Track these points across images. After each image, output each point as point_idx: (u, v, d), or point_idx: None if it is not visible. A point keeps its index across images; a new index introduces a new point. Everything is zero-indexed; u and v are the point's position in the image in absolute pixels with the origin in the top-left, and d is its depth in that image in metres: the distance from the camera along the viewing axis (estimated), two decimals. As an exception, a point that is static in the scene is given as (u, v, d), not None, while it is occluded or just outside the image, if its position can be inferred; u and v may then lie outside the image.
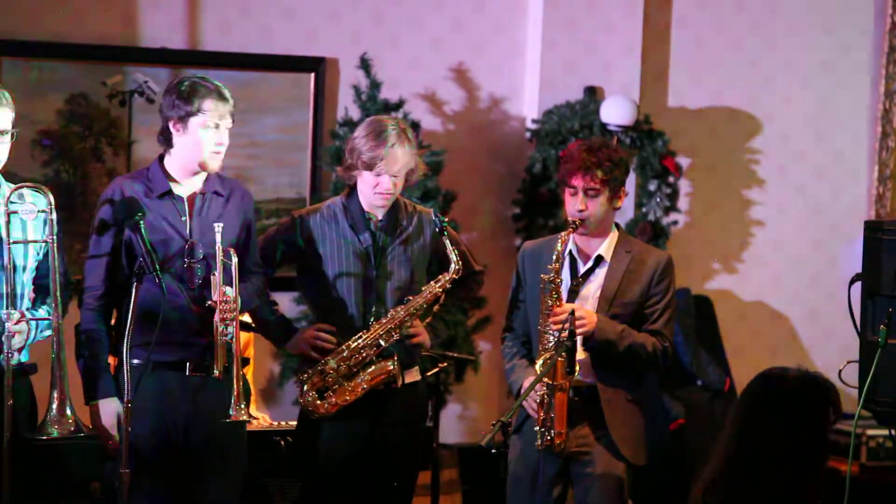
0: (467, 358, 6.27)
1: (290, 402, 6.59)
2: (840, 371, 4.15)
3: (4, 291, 4.28)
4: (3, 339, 4.23)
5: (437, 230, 4.82)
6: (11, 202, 4.32)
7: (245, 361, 5.56)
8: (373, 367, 4.79)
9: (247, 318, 5.05)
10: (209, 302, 4.47)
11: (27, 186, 4.39)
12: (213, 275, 4.46)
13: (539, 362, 4.65)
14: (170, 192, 4.56)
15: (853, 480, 4.19)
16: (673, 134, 7.19)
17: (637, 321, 4.76)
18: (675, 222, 7.24)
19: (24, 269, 4.36)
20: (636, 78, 7.29)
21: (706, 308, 7.51)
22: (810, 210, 7.88)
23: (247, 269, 4.64)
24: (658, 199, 7.17)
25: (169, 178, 4.57)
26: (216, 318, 4.44)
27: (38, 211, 4.35)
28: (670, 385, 7.06)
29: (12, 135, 4.31)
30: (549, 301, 4.68)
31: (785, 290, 7.84)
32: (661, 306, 4.78)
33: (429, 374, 5.30)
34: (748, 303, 7.77)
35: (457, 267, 4.80)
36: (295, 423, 5.07)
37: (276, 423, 5.63)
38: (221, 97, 4.51)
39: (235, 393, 4.42)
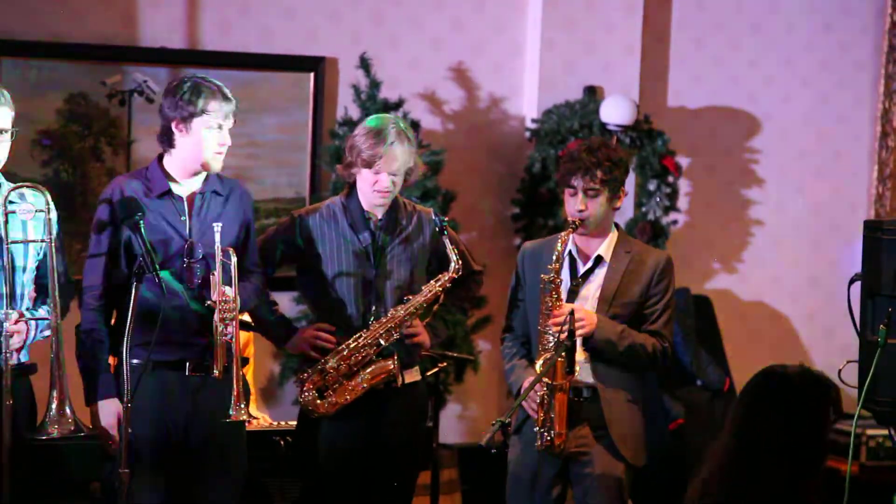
0: (467, 358, 6.27)
1: (289, 401, 6.59)
2: (840, 371, 4.14)
3: (3, 292, 4.28)
4: (2, 339, 4.22)
5: (436, 229, 4.82)
6: (10, 202, 4.32)
7: (244, 361, 5.56)
8: (373, 366, 4.79)
9: (247, 317, 5.05)
10: (209, 302, 4.46)
11: (26, 186, 4.39)
12: (213, 274, 4.46)
13: (539, 363, 4.65)
14: (169, 192, 4.56)
15: (853, 480, 4.19)
16: (673, 133, 7.19)
17: (636, 321, 4.76)
18: (675, 222, 7.24)
19: (25, 269, 4.36)
20: (636, 77, 7.29)
21: (706, 308, 7.51)
22: (810, 210, 7.88)
23: (246, 269, 4.64)
24: (658, 199, 7.17)
25: (168, 177, 4.57)
26: (216, 317, 4.44)
27: (37, 211, 4.35)
28: (670, 385, 7.06)
29: (12, 134, 4.31)
30: (549, 301, 4.68)
31: (784, 289, 7.85)
32: (660, 307, 4.78)
33: (428, 373, 5.30)
34: (748, 302, 7.77)
35: (456, 266, 4.80)
36: (295, 422, 5.08)
37: (275, 423, 5.63)
38: (225, 97, 4.52)
39: (235, 393, 4.42)
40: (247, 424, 4.63)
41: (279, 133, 6.79)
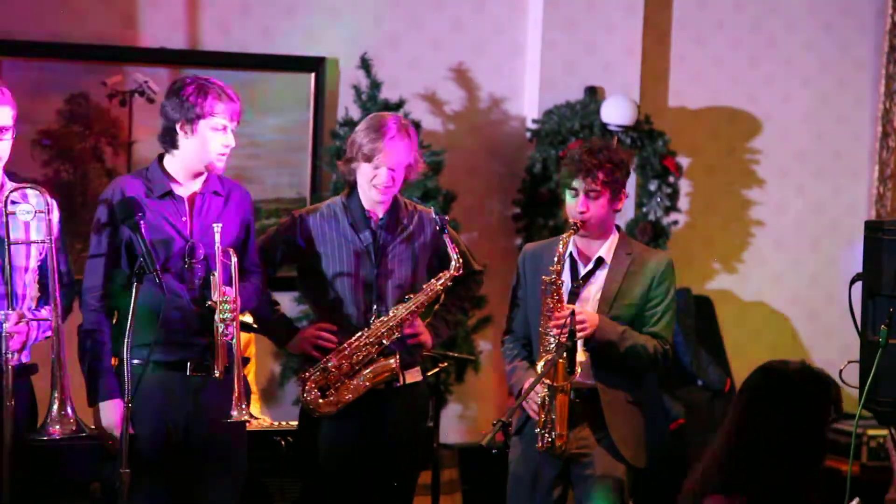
0: (467, 358, 6.27)
1: (290, 401, 6.59)
2: (840, 371, 4.15)
3: (4, 292, 4.28)
4: (2, 340, 4.22)
5: (437, 228, 4.82)
6: (11, 202, 4.31)
7: (246, 361, 5.56)
8: (374, 364, 4.79)
9: (248, 318, 5.05)
10: (209, 302, 4.46)
11: (26, 187, 4.39)
12: (213, 275, 4.46)
13: (540, 364, 4.64)
14: (170, 193, 4.55)
15: (854, 480, 4.19)
16: (673, 134, 7.19)
17: (637, 323, 4.76)
18: (676, 222, 7.24)
19: (27, 269, 4.36)
20: (636, 78, 7.29)
21: (706, 308, 7.51)
22: (810, 210, 7.88)
23: (246, 269, 4.64)
24: (658, 199, 7.17)
25: (169, 178, 4.57)
26: (216, 318, 4.44)
27: (37, 211, 4.34)
28: (670, 385, 7.06)
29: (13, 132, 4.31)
30: (550, 303, 4.67)
31: (785, 289, 7.85)
32: (661, 308, 4.78)
33: (429, 373, 5.30)
34: (748, 303, 7.77)
35: (457, 265, 4.80)
36: (295, 423, 5.08)
37: (276, 423, 5.63)
38: (230, 99, 4.51)
39: (236, 393, 4.42)
40: (247, 424, 4.63)
41: (280, 133, 6.79)
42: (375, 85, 6.67)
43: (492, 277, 5.69)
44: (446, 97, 7.12)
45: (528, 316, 4.86)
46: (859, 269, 4.27)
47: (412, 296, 4.81)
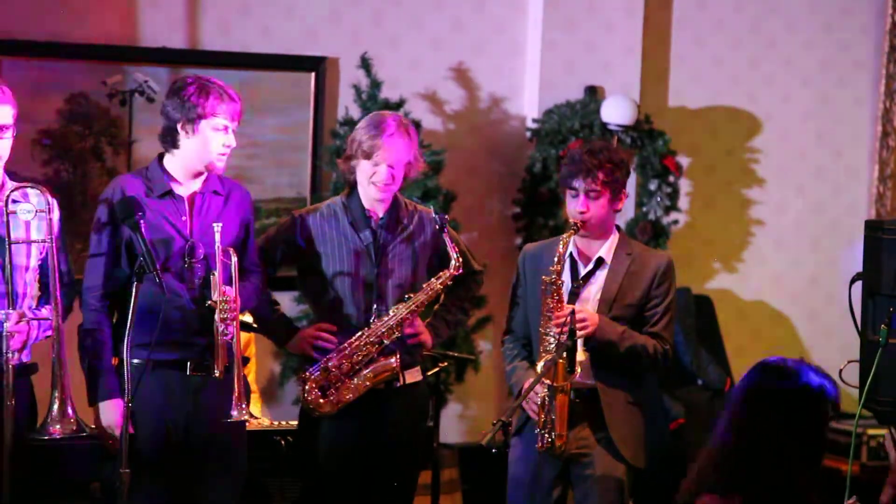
0: (467, 357, 6.27)
1: (290, 401, 6.59)
2: (840, 371, 4.15)
3: (4, 291, 4.28)
4: (3, 339, 4.22)
5: (437, 227, 4.81)
6: (12, 201, 4.32)
7: (246, 360, 5.56)
8: (375, 364, 4.79)
9: (248, 317, 5.05)
10: (209, 302, 4.46)
11: (28, 186, 4.39)
12: (213, 274, 4.46)
13: (540, 364, 4.64)
14: (170, 192, 4.55)
15: (854, 480, 4.19)
16: (673, 133, 7.19)
17: (637, 323, 4.76)
18: (676, 222, 7.24)
19: (27, 268, 4.36)
20: (636, 77, 7.29)
21: (706, 307, 7.51)
22: (810, 210, 7.88)
23: (245, 269, 4.64)
24: (658, 199, 7.16)
25: (169, 177, 4.57)
26: (216, 317, 4.44)
27: (38, 211, 4.34)
28: (670, 385, 7.06)
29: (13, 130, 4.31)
30: (550, 303, 4.67)
31: (785, 289, 7.85)
32: (661, 309, 4.78)
33: (429, 373, 5.30)
34: (748, 302, 7.77)
35: (457, 263, 4.80)
36: (295, 422, 5.07)
37: (276, 423, 5.63)
38: (231, 99, 4.52)
39: (236, 393, 4.42)
40: (247, 424, 4.63)
41: (280, 133, 6.79)
42: (375, 84, 6.67)
43: (492, 277, 5.69)
44: (446, 97, 7.12)
45: (528, 316, 4.85)
46: (859, 268, 4.28)
47: (412, 295, 4.81)
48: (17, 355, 4.26)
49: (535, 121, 7.15)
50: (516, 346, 4.90)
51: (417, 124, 6.57)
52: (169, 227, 4.52)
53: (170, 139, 4.55)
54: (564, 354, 4.54)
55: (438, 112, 7.10)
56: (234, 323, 4.44)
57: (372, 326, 4.79)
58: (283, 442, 5.30)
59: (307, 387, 4.77)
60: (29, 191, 4.38)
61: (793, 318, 7.87)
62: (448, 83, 7.11)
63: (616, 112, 6.95)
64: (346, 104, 6.79)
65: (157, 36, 6.53)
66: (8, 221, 4.28)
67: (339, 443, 4.81)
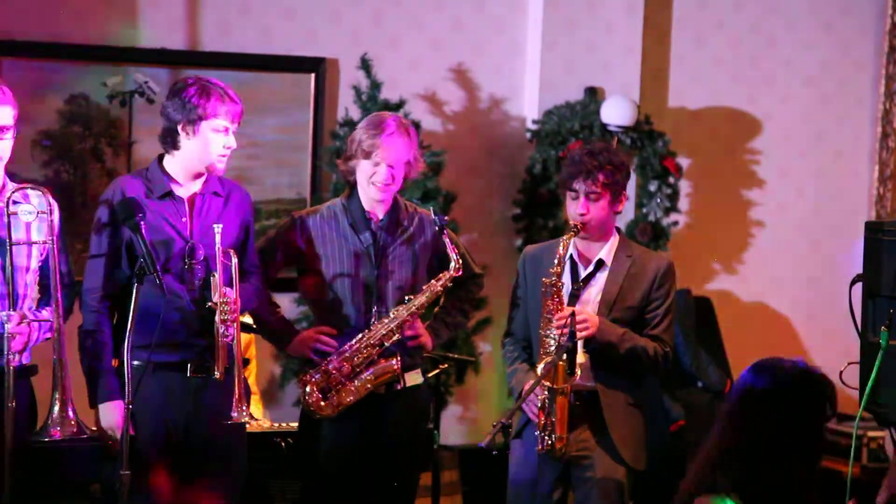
0: (468, 359, 6.27)
1: (290, 403, 6.59)
2: (841, 372, 4.14)
3: (5, 292, 4.28)
4: (3, 340, 4.22)
5: (436, 228, 4.81)
6: (13, 202, 4.31)
7: (246, 362, 5.56)
8: (376, 366, 4.78)
9: (248, 319, 5.05)
10: (210, 303, 4.46)
11: (28, 187, 4.39)
12: (214, 276, 4.46)
13: (540, 366, 4.64)
14: (170, 193, 4.55)
15: (854, 482, 4.19)
16: (673, 134, 7.19)
17: (637, 325, 4.76)
18: (676, 223, 7.24)
19: (27, 269, 4.36)
20: (636, 78, 7.29)
21: (706, 309, 7.50)
22: (810, 210, 7.88)
23: (245, 270, 4.64)
24: (658, 200, 7.16)
25: (169, 178, 4.57)
26: (217, 319, 4.43)
27: (39, 213, 4.34)
28: (670, 386, 7.06)
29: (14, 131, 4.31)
30: (551, 305, 4.67)
31: (785, 290, 7.84)
32: (661, 311, 4.78)
33: (429, 375, 5.30)
34: (748, 304, 7.76)
35: (456, 265, 4.80)
36: (296, 424, 5.07)
37: (277, 425, 5.63)
38: (232, 100, 4.52)
39: (237, 394, 4.42)
40: (247, 425, 4.63)
41: (280, 134, 6.79)
42: (375, 85, 6.67)
43: (492, 278, 5.69)
44: (446, 97, 7.12)
45: (528, 318, 4.85)
46: (859, 270, 4.27)
47: (412, 297, 4.81)
48: (17, 357, 4.26)
49: (534, 122, 7.15)
50: (516, 349, 4.90)
51: (417, 125, 6.56)
52: (169, 228, 4.52)
53: (170, 140, 4.55)
54: (564, 356, 4.54)
55: (438, 113, 7.10)
56: (235, 324, 4.44)
57: (372, 328, 4.78)
58: (283, 443, 5.30)
59: (308, 389, 4.77)
60: (29, 192, 4.38)
61: (793, 320, 7.86)
62: (448, 84, 7.11)
63: (616, 113, 6.95)
64: (346, 105, 6.78)
65: (157, 37, 6.53)
66: (9, 223, 4.28)
67: (339, 444, 4.81)
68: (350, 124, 6.57)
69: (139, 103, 6.49)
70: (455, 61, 7.11)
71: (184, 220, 4.54)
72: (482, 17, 7.14)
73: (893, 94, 7.89)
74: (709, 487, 3.31)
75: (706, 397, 7.17)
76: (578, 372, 4.63)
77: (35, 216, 4.35)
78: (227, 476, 4.61)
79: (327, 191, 6.60)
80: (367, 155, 4.76)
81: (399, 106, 6.63)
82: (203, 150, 4.52)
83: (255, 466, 4.88)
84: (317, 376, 4.77)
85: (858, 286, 4.25)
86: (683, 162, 7.34)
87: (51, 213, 4.34)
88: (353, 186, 4.89)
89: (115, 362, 4.50)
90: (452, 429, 7.02)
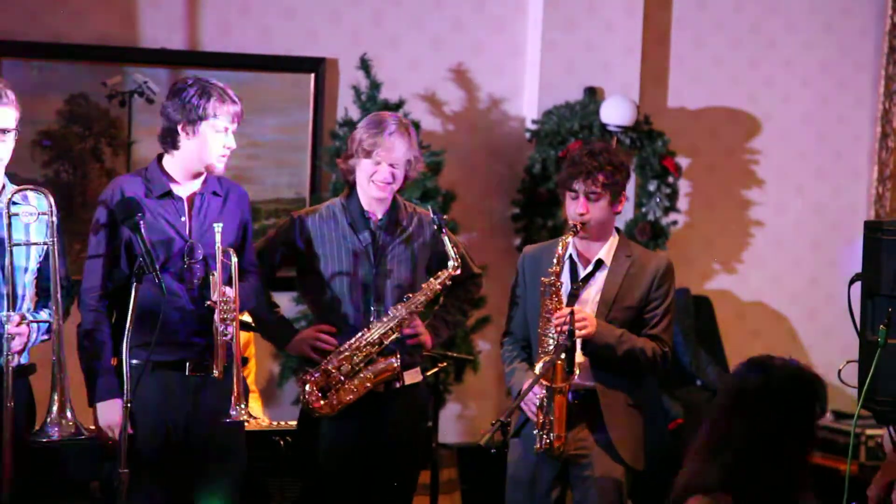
0: (466, 358, 6.27)
1: (289, 401, 6.59)
2: (840, 371, 4.15)
3: (5, 292, 4.28)
4: (3, 341, 4.22)
5: (435, 227, 4.82)
6: (13, 203, 4.32)
7: (245, 360, 5.56)
8: (375, 365, 4.79)
9: (248, 318, 5.06)
10: (209, 302, 4.47)
11: (29, 188, 4.39)
12: (213, 275, 4.47)
13: (538, 365, 4.64)
14: (169, 193, 4.56)
15: (852, 480, 4.19)
16: (673, 134, 7.19)
17: (636, 325, 4.76)
18: (675, 222, 7.24)
19: (26, 270, 4.36)
20: (636, 78, 7.29)
21: (705, 308, 7.51)
22: (810, 210, 7.88)
23: (244, 269, 4.64)
24: (658, 200, 7.16)
25: (168, 178, 4.57)
26: (216, 318, 4.44)
27: (39, 213, 4.34)
28: (669, 385, 7.06)
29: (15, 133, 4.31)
30: (550, 304, 4.67)
31: (784, 290, 7.84)
32: (660, 311, 4.78)
33: (428, 373, 5.30)
34: (747, 303, 7.77)
35: (455, 264, 4.80)
36: (294, 422, 5.08)
37: (276, 423, 5.63)
38: (232, 101, 4.52)
39: (235, 393, 4.42)
40: (246, 424, 4.63)
41: (279, 134, 6.79)
42: (375, 85, 6.67)
43: (491, 278, 5.70)
44: (446, 97, 7.12)
45: (527, 317, 4.85)
46: (858, 269, 4.27)
47: (411, 296, 4.81)
48: (16, 358, 4.26)
49: (534, 121, 7.15)
50: (515, 348, 4.90)
51: (417, 125, 6.56)
52: (168, 227, 4.52)
53: (170, 140, 4.55)
54: (563, 355, 4.54)
55: (438, 113, 7.10)
56: (234, 323, 4.45)
57: (371, 327, 4.79)
58: (282, 442, 5.30)
59: (307, 388, 4.77)
60: (29, 193, 4.39)
61: (792, 319, 7.87)
62: (447, 84, 7.11)
63: (615, 113, 6.95)
64: (346, 105, 6.79)
65: (156, 37, 6.54)
66: (10, 223, 4.28)
67: (338, 443, 4.81)
68: (350, 124, 6.57)
69: (139, 103, 6.49)
70: (455, 61, 7.12)
71: (183, 219, 4.55)
72: (482, 17, 7.14)
73: (893, 94, 7.89)
74: (698, 486, 3.31)
75: (705, 396, 7.17)
76: (577, 371, 4.64)
77: (35, 217, 4.35)
78: (226, 475, 4.61)
79: (327, 190, 6.60)
80: (368, 154, 4.77)
81: (399, 106, 6.64)
82: (203, 151, 4.52)
83: (254, 465, 4.88)
84: (316, 375, 4.77)
85: (857, 285, 4.25)
86: (683, 162, 7.35)
87: (51, 214, 4.33)
88: (352, 186, 4.89)
89: (114, 361, 4.51)
90: (451, 427, 7.02)
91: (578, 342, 4.63)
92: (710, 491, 3.27)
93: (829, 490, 4.28)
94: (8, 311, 4.25)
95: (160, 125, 4.59)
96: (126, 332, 4.27)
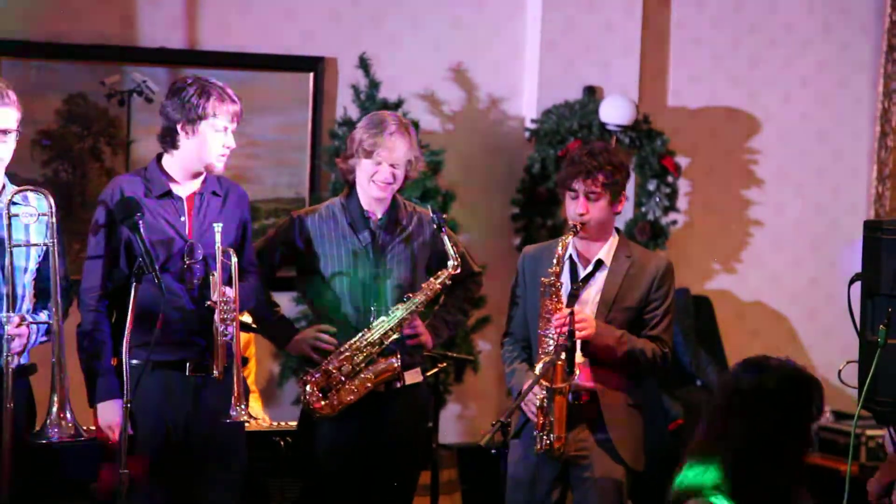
0: (466, 358, 6.27)
1: (289, 401, 6.59)
2: (840, 371, 4.14)
3: (5, 293, 4.27)
4: (3, 342, 4.22)
5: (435, 226, 4.81)
6: (13, 204, 4.31)
7: (245, 361, 5.56)
8: (376, 365, 4.78)
9: (248, 318, 5.05)
10: (209, 302, 4.46)
11: (29, 189, 4.38)
12: (213, 275, 4.46)
13: (539, 366, 4.64)
14: (169, 193, 4.55)
15: (853, 480, 4.19)
16: (672, 134, 7.19)
17: (636, 326, 4.76)
18: (675, 222, 7.24)
19: (26, 270, 4.36)
20: (635, 78, 7.29)
21: (705, 308, 7.50)
22: (810, 210, 7.88)
23: (243, 269, 4.64)
24: (657, 199, 7.16)
25: (168, 178, 4.57)
26: (216, 318, 4.44)
27: (40, 214, 4.34)
28: (669, 385, 7.06)
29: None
30: (550, 305, 4.67)
31: (784, 289, 7.84)
32: (660, 312, 4.77)
33: (428, 374, 5.30)
34: (747, 303, 7.76)
35: (455, 263, 4.80)
36: (295, 423, 5.07)
37: (276, 424, 5.63)
38: (232, 100, 4.52)
39: (235, 393, 4.42)
40: (247, 424, 4.63)
41: (279, 133, 6.79)
42: (374, 85, 6.67)
43: (491, 277, 5.69)
44: (445, 97, 7.11)
45: (527, 318, 4.85)
46: (858, 268, 4.27)
47: (411, 295, 4.81)
48: (16, 359, 4.26)
49: (533, 121, 7.15)
50: (516, 349, 4.89)
51: (416, 124, 6.54)
52: (168, 227, 4.52)
53: (169, 140, 4.55)
54: (563, 356, 4.54)
55: (437, 112, 7.10)
56: (234, 323, 4.45)
57: (371, 327, 4.78)
58: (282, 442, 5.30)
59: (308, 389, 4.76)
60: (29, 193, 4.38)
61: (792, 319, 7.86)
62: (447, 83, 7.11)
63: (615, 112, 6.95)
64: (345, 104, 6.79)
65: (155, 36, 6.53)
66: (10, 224, 4.28)
67: (339, 443, 4.81)
68: (349, 124, 6.57)
69: (138, 102, 6.49)
70: (454, 61, 7.11)
71: (183, 219, 4.55)
72: (482, 17, 7.13)
73: (892, 93, 7.89)
74: (699, 485, 3.31)
75: (705, 396, 7.17)
76: (577, 372, 4.63)
77: (36, 218, 4.34)
78: (226, 475, 4.61)
79: (326, 190, 6.60)
80: (369, 154, 4.76)
81: (398, 105, 6.63)
82: (202, 150, 4.52)
83: (254, 465, 4.88)
84: (317, 376, 4.77)
85: (857, 285, 4.25)
86: (682, 161, 7.35)
87: (51, 214, 4.33)
88: (351, 185, 4.89)
89: (114, 361, 4.50)
90: (451, 427, 7.01)
91: (578, 343, 4.63)
92: (707, 492, 3.27)
93: (829, 491, 4.28)
94: (7, 311, 4.25)
95: (159, 124, 4.59)
96: (126, 333, 4.27)
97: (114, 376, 4.47)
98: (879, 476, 4.21)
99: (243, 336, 5.34)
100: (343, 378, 4.76)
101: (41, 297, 4.40)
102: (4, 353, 4.21)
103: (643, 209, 7.18)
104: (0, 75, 6.14)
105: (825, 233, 7.88)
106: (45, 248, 4.33)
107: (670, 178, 7.18)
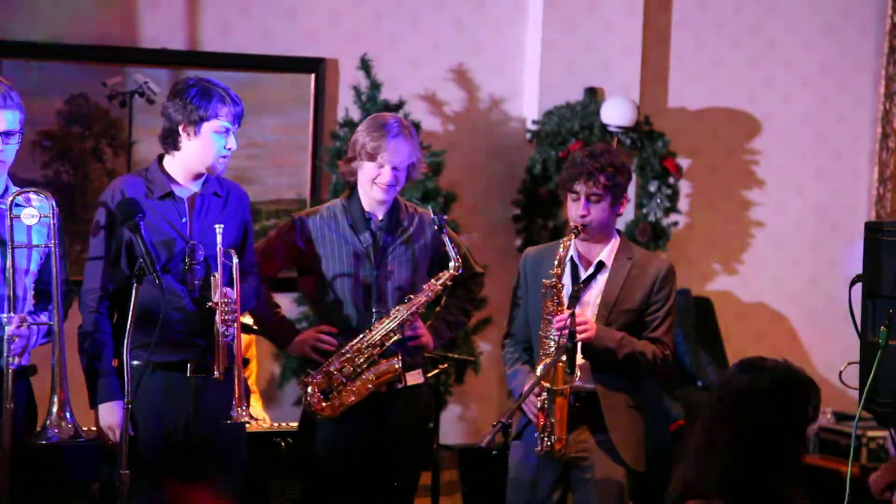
0: (467, 359, 6.27)
1: (290, 402, 6.59)
2: (840, 372, 4.14)
3: (6, 294, 4.27)
4: (4, 343, 4.22)
5: (436, 227, 4.81)
6: (15, 205, 4.31)
7: (246, 362, 5.56)
8: (377, 366, 4.78)
9: (249, 319, 5.05)
10: (210, 303, 4.46)
11: (31, 191, 4.38)
12: (214, 276, 4.46)
13: (540, 367, 4.64)
14: (171, 194, 4.55)
15: (854, 481, 4.19)
16: (673, 135, 7.19)
17: (637, 328, 4.76)
18: (676, 223, 7.24)
19: (27, 272, 4.36)
20: (636, 78, 7.30)
21: (706, 309, 7.51)
22: (810, 210, 7.88)
23: (244, 270, 4.64)
24: (658, 200, 7.17)
25: (169, 179, 4.57)
26: (217, 319, 4.44)
27: (41, 216, 4.34)
28: (670, 386, 7.06)
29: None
30: (551, 306, 4.67)
31: (785, 290, 7.85)
32: (661, 314, 4.78)
33: (429, 374, 5.30)
34: (748, 303, 7.77)
35: (456, 264, 4.80)
36: (296, 423, 5.07)
37: (276, 424, 5.63)
38: (233, 102, 4.52)
39: (237, 394, 4.42)
40: (247, 425, 4.63)
41: (280, 134, 6.79)
42: (375, 86, 6.67)
43: (492, 278, 5.69)
44: (446, 98, 7.12)
45: (528, 319, 4.85)
46: (859, 269, 4.27)
47: (412, 296, 4.81)
48: (17, 360, 4.26)
49: (534, 122, 7.15)
50: (517, 350, 4.90)
51: (417, 125, 6.57)
52: (169, 228, 4.52)
53: (171, 141, 4.55)
54: (564, 357, 4.54)
55: (438, 113, 7.10)
56: (235, 324, 4.45)
57: (373, 329, 4.79)
58: (283, 443, 5.30)
59: (310, 391, 4.77)
60: (31, 195, 4.38)
61: (792, 320, 7.87)
62: (448, 84, 7.11)
63: (616, 113, 6.95)
64: (346, 105, 6.79)
65: (157, 37, 6.54)
66: (11, 225, 4.28)
67: (339, 444, 4.81)
68: (350, 125, 6.57)
69: (139, 103, 6.49)
70: (455, 61, 7.12)
71: (184, 220, 4.55)
72: (482, 17, 7.14)
73: (893, 94, 7.89)
74: (691, 489, 3.31)
75: (706, 396, 7.16)
76: (578, 373, 4.63)
77: (38, 220, 4.34)
78: (226, 476, 4.61)
79: (327, 191, 6.60)
80: (372, 157, 4.76)
81: (399, 106, 6.64)
82: (204, 151, 4.52)
83: (254, 466, 4.88)
84: (318, 377, 4.77)
85: (858, 286, 4.25)
86: (683, 162, 7.35)
87: (53, 216, 4.33)
88: (353, 187, 4.89)
89: (115, 362, 4.50)
90: (452, 428, 7.02)
91: (579, 344, 4.63)
92: (704, 494, 3.27)
93: (830, 492, 4.28)
94: (8, 312, 4.25)
95: (161, 126, 4.58)
96: (127, 333, 4.27)
97: (114, 377, 4.47)
98: (882, 474, 4.22)
99: (244, 337, 5.35)
100: (344, 379, 4.76)
101: (42, 298, 4.40)
102: (5, 354, 4.21)
103: (644, 210, 7.18)
104: (1, 76, 6.15)
105: (826, 234, 7.88)
106: (46, 249, 4.33)
107: (671, 180, 7.18)
